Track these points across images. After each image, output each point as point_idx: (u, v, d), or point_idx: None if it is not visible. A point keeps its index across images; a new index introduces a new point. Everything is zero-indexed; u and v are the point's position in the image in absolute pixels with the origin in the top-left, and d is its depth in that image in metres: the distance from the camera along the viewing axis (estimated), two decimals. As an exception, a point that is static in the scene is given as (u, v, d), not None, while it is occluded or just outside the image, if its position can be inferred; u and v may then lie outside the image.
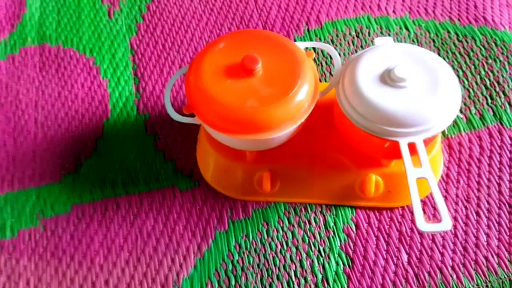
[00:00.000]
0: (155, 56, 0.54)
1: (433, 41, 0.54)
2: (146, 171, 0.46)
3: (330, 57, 0.53)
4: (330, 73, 0.52)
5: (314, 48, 0.54)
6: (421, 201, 0.43)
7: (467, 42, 0.54)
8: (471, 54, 0.53)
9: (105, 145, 0.48)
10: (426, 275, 0.40)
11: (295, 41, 0.55)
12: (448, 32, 0.55)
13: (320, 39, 0.55)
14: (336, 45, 0.54)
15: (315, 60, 0.53)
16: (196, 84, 0.38)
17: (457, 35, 0.55)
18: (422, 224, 0.34)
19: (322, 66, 0.53)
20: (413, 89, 0.37)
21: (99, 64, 0.54)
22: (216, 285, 0.40)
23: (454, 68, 0.52)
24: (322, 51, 0.54)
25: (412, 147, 0.37)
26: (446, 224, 0.34)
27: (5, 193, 0.46)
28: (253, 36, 0.41)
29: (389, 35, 0.55)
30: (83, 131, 0.49)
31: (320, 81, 0.52)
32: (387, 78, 0.37)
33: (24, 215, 0.45)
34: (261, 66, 0.38)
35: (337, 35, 0.55)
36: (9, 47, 0.56)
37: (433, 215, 0.43)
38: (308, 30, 0.56)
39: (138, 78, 0.53)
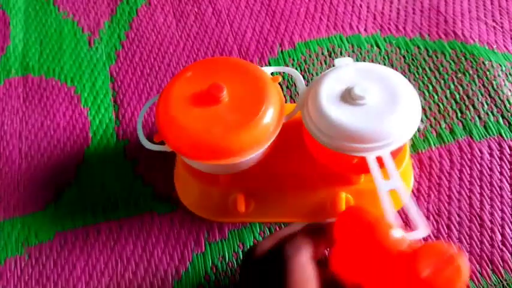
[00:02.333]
0: (134, 83, 0.56)
1: (404, 57, 0.56)
2: (125, 196, 0.48)
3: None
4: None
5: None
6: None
7: (437, 57, 0.55)
8: (441, 69, 0.54)
9: (86, 172, 0.50)
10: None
11: (269, 63, 0.56)
12: (418, 47, 0.56)
13: (293, 59, 0.56)
14: (309, 65, 0.56)
15: (280, 84, 0.54)
16: (165, 113, 0.39)
17: (427, 50, 0.56)
18: (398, 232, 0.33)
19: (293, 88, 0.54)
20: (372, 106, 0.38)
21: (80, 93, 0.56)
22: (193, 307, 0.41)
23: (424, 83, 0.53)
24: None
25: (381, 161, 0.38)
26: (423, 230, 0.34)
27: (-10, 223, 0.47)
28: (220, 64, 0.43)
29: (360, 53, 0.56)
30: (65, 159, 0.51)
31: (294, 101, 0.53)
32: (348, 97, 0.39)
33: (10, 243, 0.46)
34: (227, 93, 0.39)
35: (310, 55, 0.57)
36: (-6, 79, 0.58)
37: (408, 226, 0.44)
38: (282, 51, 0.57)
39: (117, 105, 0.54)
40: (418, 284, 0.29)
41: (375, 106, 0.39)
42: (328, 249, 0.35)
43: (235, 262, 0.43)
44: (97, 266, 0.44)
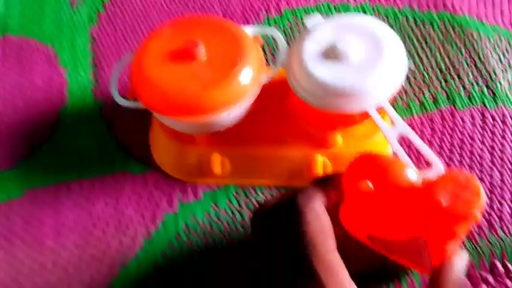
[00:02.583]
0: (114, 45, 0.55)
1: (391, 27, 0.54)
2: (99, 156, 0.47)
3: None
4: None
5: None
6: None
7: (424, 28, 0.54)
8: (428, 39, 0.53)
9: (60, 132, 0.49)
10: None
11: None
12: (407, 17, 0.55)
13: (279, 26, 0.55)
14: (295, 33, 0.54)
15: (265, 51, 0.53)
16: (138, 68, 0.38)
17: (415, 20, 0.55)
18: (412, 171, 0.33)
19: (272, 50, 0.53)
20: (357, 61, 0.38)
21: (59, 53, 0.55)
22: (162, 265, 0.40)
23: (410, 53, 0.52)
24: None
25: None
26: (439, 167, 0.34)
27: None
28: (199, 22, 0.41)
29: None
30: (39, 118, 0.50)
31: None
32: (331, 54, 0.38)
33: (-21, 200, 0.45)
34: (204, 50, 0.38)
35: (296, 23, 0.55)
36: (-28, 38, 0.57)
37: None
38: (268, 18, 0.56)
39: (96, 66, 0.53)
40: (439, 214, 0.29)
41: (360, 61, 0.38)
42: (338, 202, 0.35)
43: (207, 222, 0.42)
44: (66, 224, 0.43)
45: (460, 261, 0.33)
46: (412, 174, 0.31)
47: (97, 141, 0.48)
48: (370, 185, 0.32)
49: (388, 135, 0.37)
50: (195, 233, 0.42)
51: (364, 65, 0.38)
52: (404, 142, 0.42)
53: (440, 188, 0.29)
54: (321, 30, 0.40)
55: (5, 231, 0.43)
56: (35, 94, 0.52)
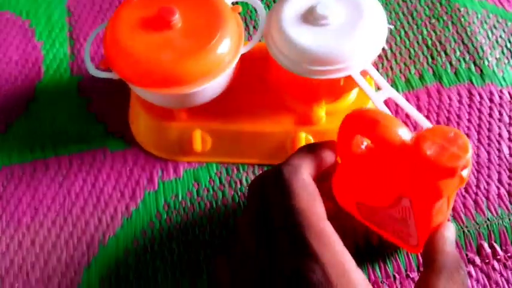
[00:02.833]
0: (91, 18, 0.53)
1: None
2: (77, 133, 0.45)
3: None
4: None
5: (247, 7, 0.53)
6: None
7: (411, 2, 0.53)
8: (414, 14, 0.52)
9: (36, 107, 0.47)
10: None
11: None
12: (394, -8, 0.54)
13: (262, 1, 0.54)
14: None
15: (246, 18, 0.52)
16: (112, 37, 0.37)
17: (402, -5, 0.54)
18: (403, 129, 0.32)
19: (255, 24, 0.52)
20: (337, 24, 0.37)
21: (35, 26, 0.53)
22: (142, 243, 0.40)
23: (396, 28, 0.51)
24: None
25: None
26: (426, 126, 0.34)
27: None
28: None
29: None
30: (15, 93, 0.48)
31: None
32: (310, 18, 0.37)
33: (-47, 178, 0.44)
34: (179, 18, 0.37)
35: (281, -4, 0.54)
36: None
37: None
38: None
39: (73, 39, 0.51)
40: (424, 166, 0.28)
41: (340, 24, 0.37)
42: (328, 174, 0.34)
43: (188, 201, 0.42)
44: (44, 201, 0.42)
45: (449, 233, 0.33)
46: (404, 132, 0.30)
47: (74, 117, 0.46)
48: (363, 141, 0.32)
49: (375, 99, 0.36)
50: (176, 211, 0.41)
51: (344, 28, 0.37)
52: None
53: (428, 140, 0.28)
54: None
55: (-20, 209, 0.42)
56: (11, 69, 0.50)
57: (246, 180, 0.43)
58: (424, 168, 0.28)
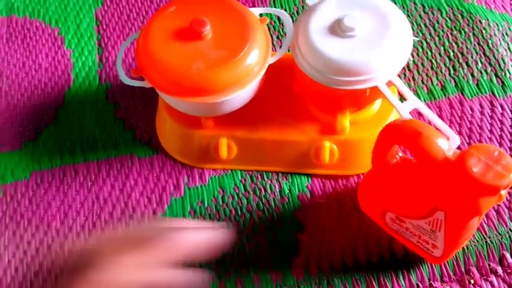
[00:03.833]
0: (119, 27, 0.54)
1: (400, 12, 0.54)
2: (105, 139, 0.47)
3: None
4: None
5: (271, 18, 0.54)
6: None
7: (433, 14, 0.54)
8: (436, 25, 0.53)
9: (65, 114, 0.48)
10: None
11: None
12: (415, 3, 0.54)
13: (286, 10, 0.55)
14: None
15: (271, 34, 0.53)
16: (144, 47, 0.38)
17: (424, 6, 0.54)
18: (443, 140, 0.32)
19: (279, 35, 0.53)
20: (363, 36, 0.38)
21: (64, 34, 0.54)
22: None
23: (418, 40, 0.52)
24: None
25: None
26: (455, 139, 0.34)
27: (-34, 160, 0.46)
28: (205, 0, 0.41)
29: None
30: (45, 100, 0.49)
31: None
32: (337, 29, 0.38)
33: (-15, 181, 0.45)
34: (210, 29, 0.38)
35: (303, 7, 0.55)
36: (-24, 17, 0.56)
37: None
38: (274, 0, 0.56)
39: (102, 48, 0.53)
40: (467, 182, 0.29)
41: (366, 35, 0.38)
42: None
43: (214, 207, 0.43)
44: (73, 206, 0.43)
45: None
46: (445, 145, 0.31)
47: (103, 124, 0.47)
48: (400, 153, 0.32)
49: (401, 109, 0.37)
50: (202, 218, 0.42)
51: (371, 39, 0.38)
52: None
53: (473, 157, 0.29)
54: (325, 6, 0.40)
55: (12, 212, 0.43)
56: (40, 75, 0.51)
57: (270, 187, 0.43)
58: (467, 184, 0.29)
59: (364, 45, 0.38)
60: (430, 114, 0.37)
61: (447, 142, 0.31)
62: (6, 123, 0.48)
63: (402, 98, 0.39)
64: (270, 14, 0.43)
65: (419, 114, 0.38)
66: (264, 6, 0.55)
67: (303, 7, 0.55)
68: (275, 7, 0.55)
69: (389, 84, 0.39)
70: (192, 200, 0.43)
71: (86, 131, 0.47)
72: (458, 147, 0.44)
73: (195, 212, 0.42)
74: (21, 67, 0.52)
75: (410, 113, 0.37)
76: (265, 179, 0.44)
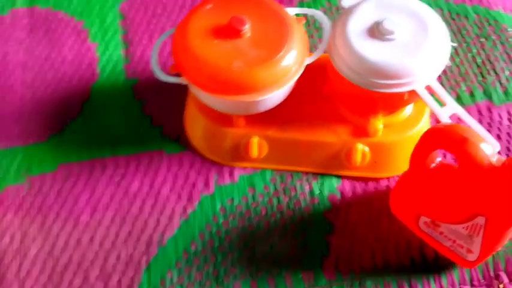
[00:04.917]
0: (145, 22, 0.54)
1: (426, 17, 0.54)
2: (132, 135, 0.46)
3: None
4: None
5: (306, 18, 0.53)
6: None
7: (460, 20, 0.54)
8: (463, 32, 0.53)
9: (91, 108, 0.48)
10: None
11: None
12: (442, 9, 0.55)
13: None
14: (329, 18, 0.54)
15: (306, 29, 0.52)
16: (182, 43, 0.38)
17: (450, 12, 0.55)
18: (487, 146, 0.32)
19: (313, 37, 0.53)
20: (402, 39, 0.38)
21: (88, 28, 0.54)
22: (200, 246, 0.40)
23: (455, 46, 0.52)
24: (314, 22, 0.54)
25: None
26: (494, 145, 0.34)
27: (-9, 151, 0.46)
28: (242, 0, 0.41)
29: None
30: (70, 94, 0.49)
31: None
32: (376, 32, 0.38)
33: (10, 172, 0.44)
34: (249, 28, 0.38)
35: (330, 8, 0.55)
36: (-2, 8, 0.55)
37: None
38: (302, 2, 0.56)
39: (127, 43, 0.52)
40: None
41: (406, 39, 0.38)
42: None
43: (244, 206, 0.42)
44: (102, 200, 0.42)
45: None
46: (490, 150, 0.31)
47: (130, 119, 0.47)
48: (439, 159, 0.32)
49: (440, 114, 0.37)
50: (232, 216, 0.42)
51: (410, 43, 0.38)
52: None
53: None
54: (362, 9, 0.40)
55: (39, 204, 0.42)
56: (65, 68, 0.51)
57: (301, 188, 0.43)
58: None
59: (404, 48, 0.38)
60: (470, 120, 0.37)
61: (491, 148, 0.32)
62: (31, 115, 0.47)
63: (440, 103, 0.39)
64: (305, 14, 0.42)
65: (458, 119, 0.38)
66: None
67: (329, 8, 0.55)
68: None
69: (427, 88, 0.39)
70: (222, 197, 0.43)
71: (113, 126, 0.47)
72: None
73: (225, 210, 0.42)
74: (45, 59, 0.51)
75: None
76: (295, 179, 0.44)
